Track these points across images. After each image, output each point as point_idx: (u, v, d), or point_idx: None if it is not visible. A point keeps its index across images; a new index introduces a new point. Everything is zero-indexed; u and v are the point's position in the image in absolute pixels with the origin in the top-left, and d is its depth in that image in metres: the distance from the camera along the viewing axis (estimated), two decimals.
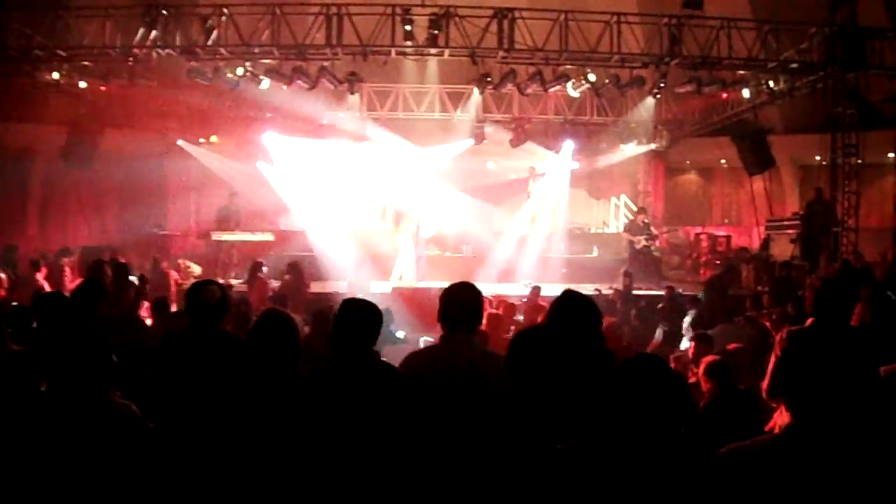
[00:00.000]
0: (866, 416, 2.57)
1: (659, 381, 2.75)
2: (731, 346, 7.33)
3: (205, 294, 4.99)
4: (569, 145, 22.58)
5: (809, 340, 4.84)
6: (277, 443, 3.92)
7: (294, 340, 4.40)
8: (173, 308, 9.56)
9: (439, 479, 3.82)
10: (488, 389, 3.93)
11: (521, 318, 11.76)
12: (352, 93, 18.89)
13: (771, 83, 18.49)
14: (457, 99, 21.48)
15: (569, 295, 4.49)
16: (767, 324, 9.88)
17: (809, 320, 5.18)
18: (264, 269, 14.69)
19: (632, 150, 24.36)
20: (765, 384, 5.04)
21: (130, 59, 16.45)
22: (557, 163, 22.81)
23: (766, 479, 2.49)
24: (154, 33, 15.60)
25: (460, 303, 4.56)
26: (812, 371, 2.59)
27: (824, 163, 18.75)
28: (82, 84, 17.76)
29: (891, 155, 18.36)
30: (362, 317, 4.31)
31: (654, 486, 2.64)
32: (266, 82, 17.47)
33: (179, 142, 21.90)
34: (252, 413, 4.03)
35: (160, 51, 16.15)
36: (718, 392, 6.26)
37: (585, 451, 2.77)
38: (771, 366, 5.08)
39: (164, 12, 15.71)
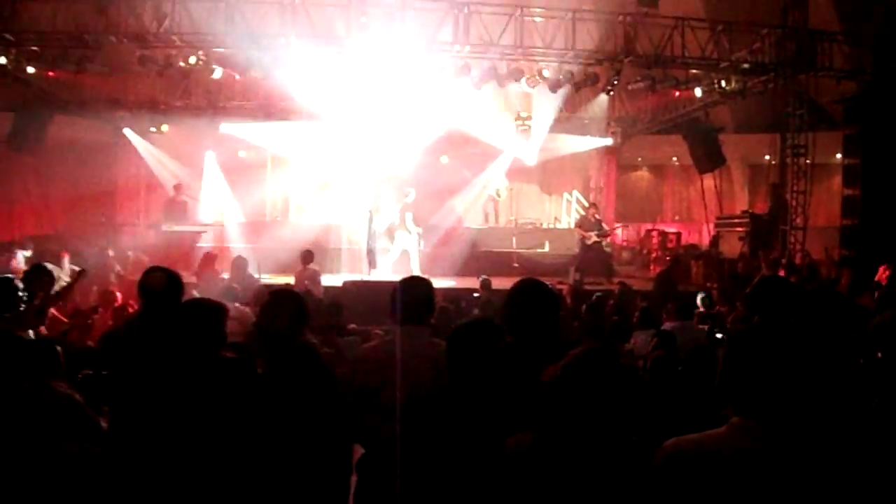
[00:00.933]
0: (810, 414, 2.57)
1: (609, 374, 2.77)
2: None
3: (148, 280, 4.97)
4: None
5: (750, 340, 4.88)
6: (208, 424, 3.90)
7: (220, 330, 4.36)
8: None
9: (392, 469, 3.80)
10: (440, 381, 3.92)
11: (476, 311, 11.73)
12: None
13: (723, 83, 18.73)
14: None
15: (527, 283, 4.49)
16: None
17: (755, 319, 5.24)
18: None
19: (584, 145, 24.43)
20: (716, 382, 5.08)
21: (81, 45, 16.15)
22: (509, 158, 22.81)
23: (708, 474, 2.49)
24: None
25: (413, 296, 4.60)
26: (752, 370, 2.60)
27: (774, 162, 19.04)
28: (30, 69, 17.39)
29: (838, 156, 18.63)
30: (281, 303, 4.47)
31: (603, 478, 2.66)
32: (219, 71, 17.27)
33: (126, 131, 21.56)
34: (187, 399, 4.00)
35: (111, 37, 15.87)
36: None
37: (536, 444, 2.78)
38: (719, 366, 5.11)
39: None
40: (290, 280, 13.67)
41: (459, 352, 3.61)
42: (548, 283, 4.57)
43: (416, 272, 16.05)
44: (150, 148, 21.90)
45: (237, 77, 17.68)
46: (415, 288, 4.67)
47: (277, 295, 4.74)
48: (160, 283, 4.93)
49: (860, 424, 3.31)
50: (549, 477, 2.70)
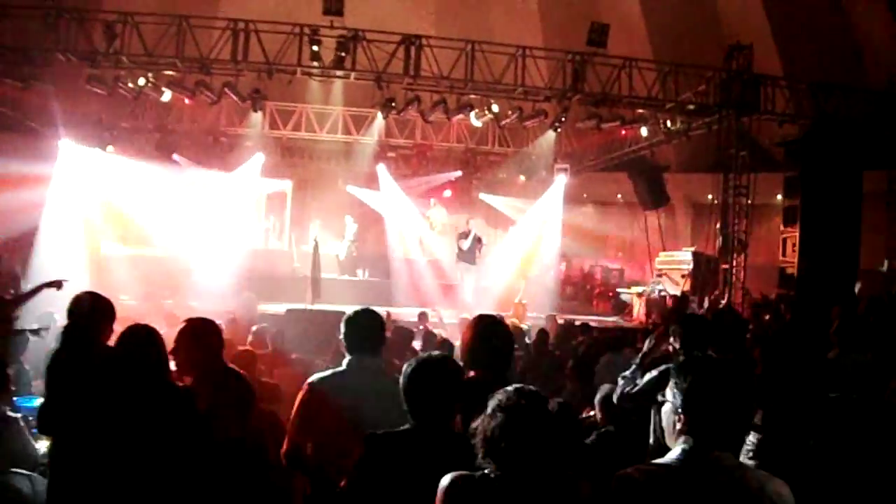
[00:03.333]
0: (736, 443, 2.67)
1: (542, 413, 2.83)
2: None
3: (73, 303, 5.11)
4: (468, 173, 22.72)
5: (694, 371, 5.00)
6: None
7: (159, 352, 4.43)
8: None
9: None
10: (393, 412, 3.93)
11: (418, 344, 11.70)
12: (255, 110, 18.72)
13: (668, 123, 19.05)
14: (360, 122, 21.48)
15: (489, 319, 4.57)
16: None
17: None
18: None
19: (531, 185, 24.64)
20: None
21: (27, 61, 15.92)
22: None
23: (661, 500, 2.56)
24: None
25: (364, 327, 4.62)
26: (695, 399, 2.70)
27: (716, 202, 19.30)
28: None
29: (779, 197, 18.96)
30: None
31: None
32: (168, 94, 17.15)
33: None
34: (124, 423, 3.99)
35: (60, 55, 15.68)
36: (607, 422, 6.39)
37: (478, 481, 2.81)
38: None
39: (67, 15, 15.29)
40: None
41: (420, 386, 3.58)
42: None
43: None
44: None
45: (186, 101, 17.56)
46: (366, 319, 4.66)
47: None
48: (84, 307, 5.04)
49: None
50: None
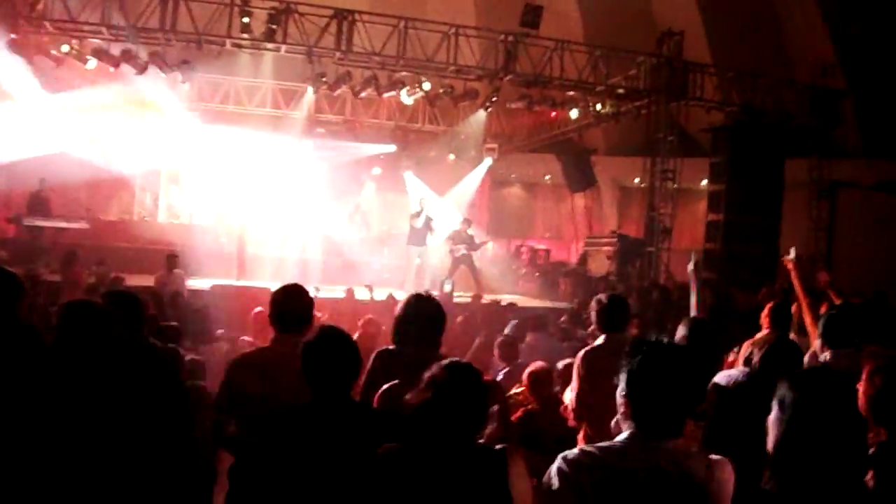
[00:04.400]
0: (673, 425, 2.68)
1: (471, 389, 2.84)
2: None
3: None
4: (391, 147, 22.55)
5: (600, 356, 5.10)
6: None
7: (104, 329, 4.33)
8: None
9: (264, 477, 3.77)
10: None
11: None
12: (183, 82, 18.34)
13: (598, 106, 19.19)
14: (289, 96, 21.18)
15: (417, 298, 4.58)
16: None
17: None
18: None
19: (460, 164, 24.68)
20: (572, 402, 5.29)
21: None
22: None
23: (604, 484, 2.57)
24: None
25: (293, 305, 4.56)
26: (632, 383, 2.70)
27: (643, 185, 19.56)
28: None
29: (704, 182, 19.28)
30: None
31: (464, 485, 2.73)
32: (93, 62, 16.72)
33: None
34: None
35: None
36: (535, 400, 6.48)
37: (401, 453, 2.82)
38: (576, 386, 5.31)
39: None
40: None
41: (316, 360, 3.64)
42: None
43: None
44: None
45: (111, 70, 17.13)
46: (297, 297, 4.61)
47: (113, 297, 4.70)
48: None
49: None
50: (414, 486, 2.74)
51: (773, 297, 9.48)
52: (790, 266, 7.19)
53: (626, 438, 2.66)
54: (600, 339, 5.38)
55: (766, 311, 6.53)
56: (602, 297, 5.57)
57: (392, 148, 22.85)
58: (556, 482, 2.62)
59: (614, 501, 2.55)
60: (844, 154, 20.84)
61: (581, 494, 2.57)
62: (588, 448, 2.70)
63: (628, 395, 2.69)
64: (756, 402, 4.22)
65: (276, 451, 3.45)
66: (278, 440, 3.47)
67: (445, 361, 2.96)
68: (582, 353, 5.40)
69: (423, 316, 4.41)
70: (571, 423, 5.34)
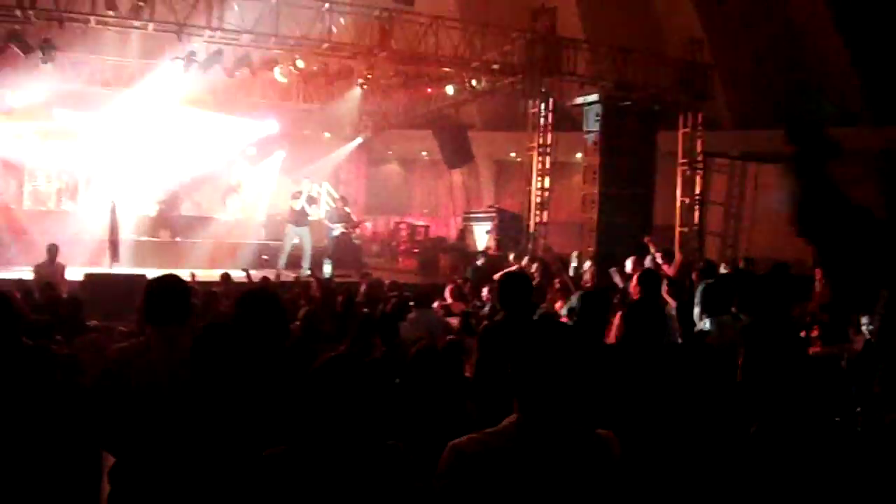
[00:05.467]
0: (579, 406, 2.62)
1: (352, 379, 2.71)
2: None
3: None
4: (272, 125, 22.11)
5: (501, 334, 5.02)
6: None
7: None
8: None
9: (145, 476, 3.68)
10: (200, 386, 3.80)
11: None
12: (45, 62, 17.57)
13: (473, 82, 19.23)
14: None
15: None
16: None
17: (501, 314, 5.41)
18: None
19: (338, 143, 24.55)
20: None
21: None
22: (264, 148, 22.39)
23: (491, 471, 2.50)
24: None
25: (168, 295, 4.30)
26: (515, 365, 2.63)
27: (519, 160, 19.76)
28: None
29: (578, 155, 19.57)
30: None
31: (359, 484, 2.63)
32: None
33: None
34: None
35: None
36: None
37: (287, 455, 2.69)
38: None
39: None
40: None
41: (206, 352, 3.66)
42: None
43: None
44: None
45: None
46: (170, 286, 4.34)
47: None
48: None
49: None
50: (302, 488, 2.62)
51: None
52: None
53: (511, 422, 2.59)
54: (499, 316, 5.34)
55: (634, 281, 6.81)
56: (505, 272, 5.58)
57: (275, 127, 22.29)
58: (446, 469, 2.56)
59: (501, 486, 2.49)
60: (715, 126, 21.45)
61: (472, 482, 2.51)
62: (476, 436, 2.60)
63: (516, 378, 2.64)
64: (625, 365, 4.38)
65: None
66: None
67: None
68: (482, 329, 5.39)
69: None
70: None
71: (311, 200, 18.55)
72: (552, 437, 2.55)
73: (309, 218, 18.39)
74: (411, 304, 9.73)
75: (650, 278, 7.04)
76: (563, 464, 2.53)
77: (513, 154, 22.33)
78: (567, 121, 20.31)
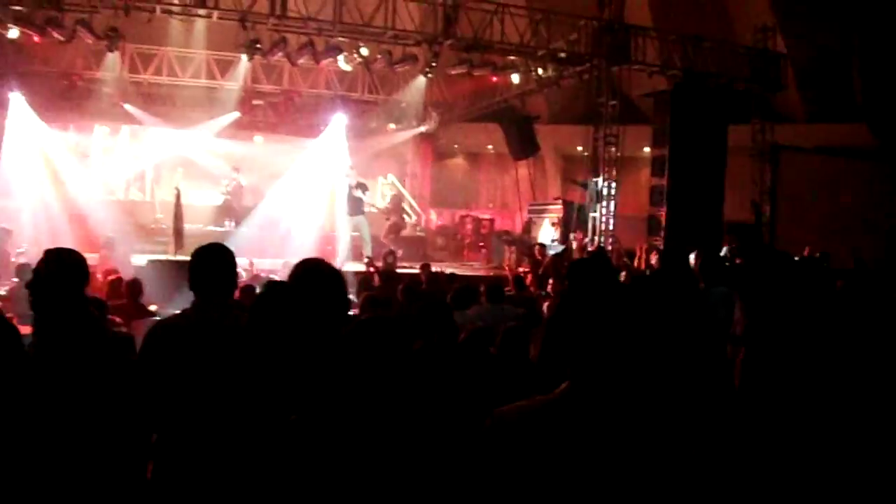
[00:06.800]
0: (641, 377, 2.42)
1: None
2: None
3: None
4: (340, 119, 21.98)
5: (571, 306, 4.86)
6: None
7: None
8: None
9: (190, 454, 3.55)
10: (242, 356, 3.63)
11: None
12: (111, 51, 17.70)
13: (539, 70, 18.96)
14: (225, 67, 20.61)
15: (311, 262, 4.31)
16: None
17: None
18: None
19: (401, 132, 24.43)
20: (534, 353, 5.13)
21: None
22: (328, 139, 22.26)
23: (534, 439, 2.35)
24: None
25: (211, 266, 4.12)
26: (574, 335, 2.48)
27: (585, 153, 19.43)
28: None
29: (646, 149, 19.23)
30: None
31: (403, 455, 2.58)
32: (15, 31, 16.03)
33: None
34: None
35: None
36: None
37: (319, 422, 2.64)
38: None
39: None
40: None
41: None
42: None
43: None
44: None
45: (36, 40, 16.51)
46: (213, 257, 4.15)
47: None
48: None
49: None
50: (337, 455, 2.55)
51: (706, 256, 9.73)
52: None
53: (561, 391, 2.42)
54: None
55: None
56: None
57: (343, 121, 22.09)
58: (485, 435, 2.43)
59: (546, 454, 2.32)
60: (786, 119, 20.91)
61: (512, 449, 2.36)
62: (520, 403, 2.47)
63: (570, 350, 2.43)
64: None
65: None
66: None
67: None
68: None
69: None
70: None
71: (362, 187, 18.46)
72: (597, 401, 2.37)
73: (365, 207, 18.35)
74: (482, 297, 9.53)
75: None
76: (606, 429, 2.34)
77: (579, 147, 22.00)
78: (634, 113, 19.95)
